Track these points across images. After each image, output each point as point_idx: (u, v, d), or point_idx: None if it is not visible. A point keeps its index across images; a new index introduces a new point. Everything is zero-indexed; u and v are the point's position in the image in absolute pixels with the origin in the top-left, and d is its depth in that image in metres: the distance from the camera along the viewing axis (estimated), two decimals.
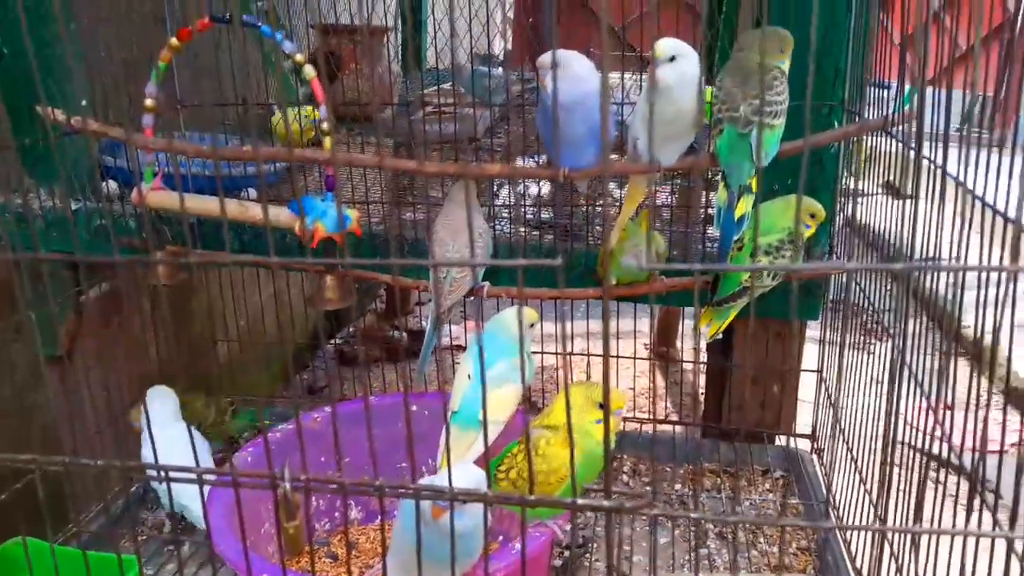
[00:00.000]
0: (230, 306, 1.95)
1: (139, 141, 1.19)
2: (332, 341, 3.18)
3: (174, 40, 1.24)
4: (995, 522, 0.72)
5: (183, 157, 1.63)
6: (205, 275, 2.01)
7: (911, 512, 0.94)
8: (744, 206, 1.05)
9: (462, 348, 3.34)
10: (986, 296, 0.83)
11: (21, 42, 1.52)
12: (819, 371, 1.52)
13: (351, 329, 3.34)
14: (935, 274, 1.04)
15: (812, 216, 1.25)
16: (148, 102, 1.27)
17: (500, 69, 2.84)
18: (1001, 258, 0.80)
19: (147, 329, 1.83)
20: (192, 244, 1.46)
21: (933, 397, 0.90)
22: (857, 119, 1.33)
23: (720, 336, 1.30)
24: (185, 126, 1.97)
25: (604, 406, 0.70)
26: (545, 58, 1.11)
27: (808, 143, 0.99)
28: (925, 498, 0.89)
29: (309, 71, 1.23)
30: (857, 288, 1.36)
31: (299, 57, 1.23)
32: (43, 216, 1.61)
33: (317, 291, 1.36)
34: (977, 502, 0.80)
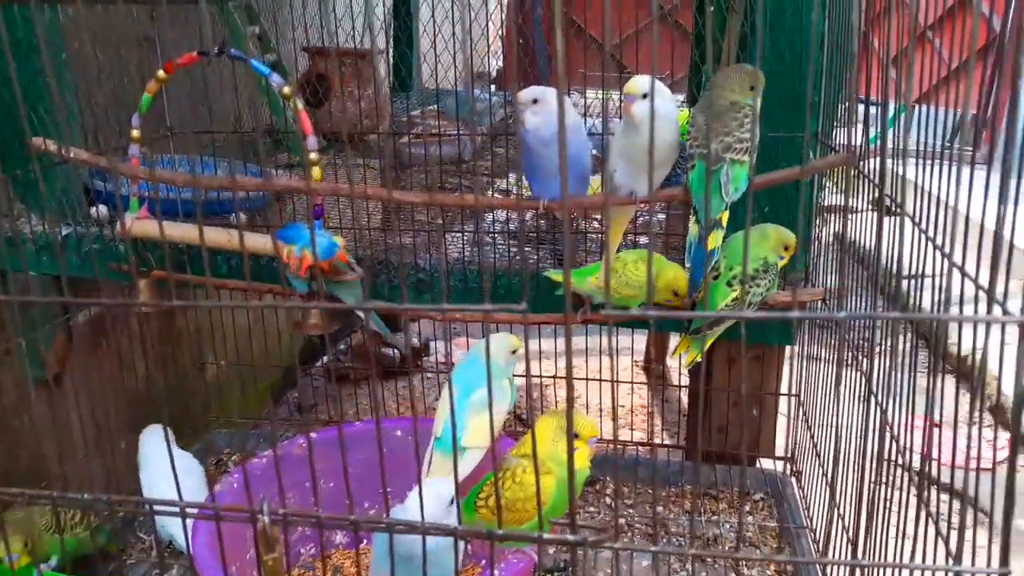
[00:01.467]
0: (218, 326, 1.97)
1: (125, 171, 1.22)
2: (323, 359, 3.20)
3: (161, 72, 1.27)
4: (947, 553, 0.75)
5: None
6: (192, 296, 2.03)
7: (883, 536, 0.96)
8: (715, 240, 1.08)
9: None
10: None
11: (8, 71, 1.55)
12: (796, 394, 1.55)
13: (342, 346, 3.37)
14: (921, 290, 1.06)
15: (786, 248, 1.29)
16: (134, 133, 1.29)
17: (486, 93, 2.88)
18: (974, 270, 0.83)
19: (135, 350, 1.85)
20: (180, 269, 1.48)
21: (904, 414, 0.92)
22: (835, 150, 1.36)
23: (701, 359, 1.33)
24: (175, 149, 2.00)
25: (568, 437, 0.72)
26: (524, 94, 1.14)
27: (771, 181, 1.02)
28: (907, 521, 0.91)
29: (297, 104, 1.25)
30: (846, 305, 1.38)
31: (286, 90, 1.26)
32: (33, 241, 1.64)
33: (302, 316, 1.38)
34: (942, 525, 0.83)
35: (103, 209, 1.72)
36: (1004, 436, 3.15)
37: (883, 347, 1.21)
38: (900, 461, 0.97)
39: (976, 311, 0.75)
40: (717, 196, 1.06)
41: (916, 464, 0.90)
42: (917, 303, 1.16)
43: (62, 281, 1.66)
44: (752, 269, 1.24)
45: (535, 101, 1.13)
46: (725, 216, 1.08)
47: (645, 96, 1.05)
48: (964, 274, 0.73)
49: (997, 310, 0.60)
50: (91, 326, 1.81)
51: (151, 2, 1.70)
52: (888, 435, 0.96)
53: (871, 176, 1.07)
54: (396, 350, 3.15)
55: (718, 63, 1.50)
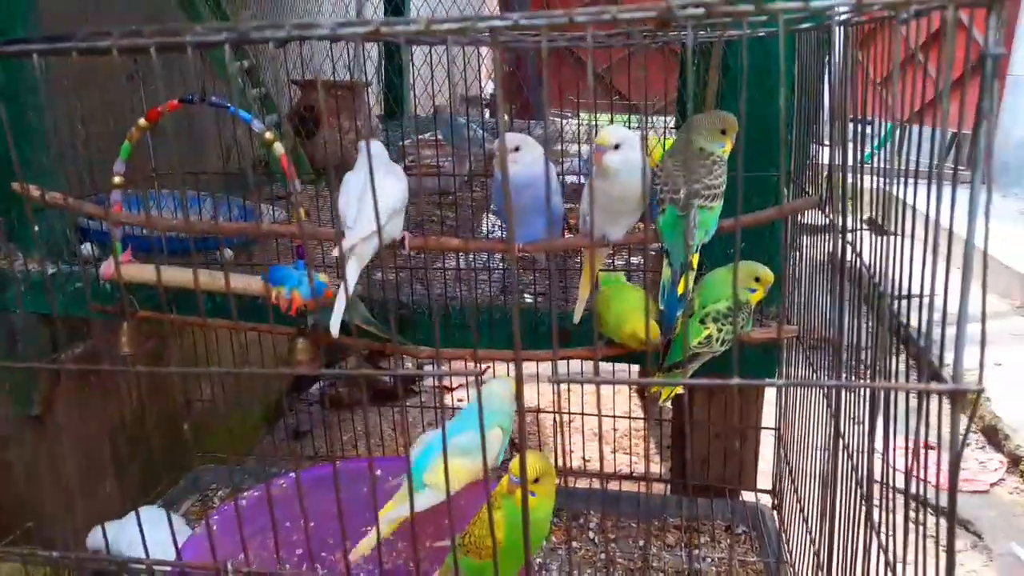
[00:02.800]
0: (203, 360, 1.98)
1: (111, 217, 1.24)
2: (318, 384, 3.21)
3: (142, 120, 1.29)
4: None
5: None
6: (179, 332, 2.04)
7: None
8: (686, 284, 1.10)
9: (449, 388, 3.38)
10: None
11: None
12: (777, 427, 1.56)
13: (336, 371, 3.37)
14: (911, 309, 1.07)
15: (758, 280, 1.30)
16: (116, 179, 1.31)
17: (475, 124, 2.91)
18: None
19: (123, 387, 1.87)
20: (166, 309, 1.49)
21: (873, 436, 0.93)
22: (805, 191, 1.38)
23: (684, 391, 1.34)
24: (162, 184, 2.01)
25: (522, 481, 0.73)
26: (505, 140, 1.16)
27: (740, 224, 1.05)
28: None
29: (278, 149, 1.28)
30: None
31: (268, 135, 1.28)
32: (22, 279, 1.65)
33: (288, 354, 1.40)
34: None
35: (91, 247, 1.74)
36: (998, 457, 3.16)
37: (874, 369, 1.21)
38: (880, 486, 0.97)
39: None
40: (683, 242, 1.08)
41: (913, 491, 0.90)
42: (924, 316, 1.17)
43: (52, 318, 1.68)
44: (724, 307, 1.26)
45: (516, 149, 1.16)
46: (695, 259, 1.10)
47: (617, 147, 1.07)
48: (900, 338, 0.75)
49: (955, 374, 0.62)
50: (79, 363, 1.83)
51: (143, 52, 1.72)
52: (845, 458, 0.96)
53: (831, 224, 1.09)
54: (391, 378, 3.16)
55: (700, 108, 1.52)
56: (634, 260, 1.76)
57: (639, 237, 1.17)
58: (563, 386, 3.24)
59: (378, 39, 0.52)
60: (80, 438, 1.82)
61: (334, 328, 1.17)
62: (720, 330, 1.25)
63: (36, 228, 1.58)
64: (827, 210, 1.11)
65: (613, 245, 1.20)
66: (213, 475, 1.81)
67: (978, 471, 3.04)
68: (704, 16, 0.48)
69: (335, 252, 1.02)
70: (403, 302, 1.57)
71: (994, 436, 3.20)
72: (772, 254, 1.45)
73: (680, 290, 1.09)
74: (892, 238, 0.92)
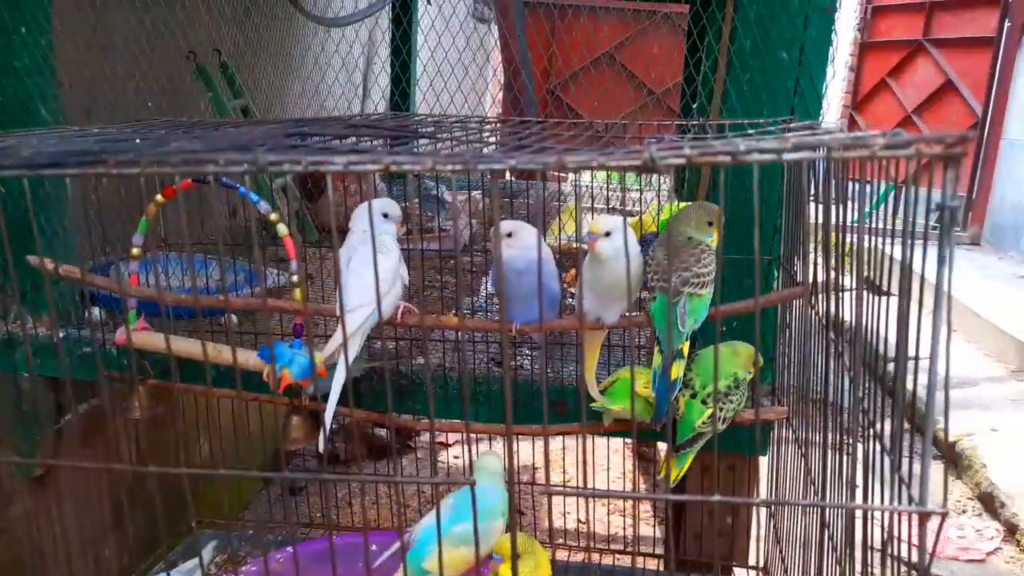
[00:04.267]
0: (203, 419, 2.01)
1: (124, 289, 1.28)
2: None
3: (159, 197, 1.34)
4: None
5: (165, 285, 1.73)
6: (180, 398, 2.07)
7: None
8: (677, 370, 1.13)
9: (445, 445, 3.39)
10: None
11: (10, 183, 1.63)
12: (767, 504, 1.58)
13: (333, 426, 3.39)
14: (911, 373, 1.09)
15: (754, 363, 1.34)
16: (134, 251, 1.36)
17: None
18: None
19: (124, 450, 1.89)
20: (174, 378, 1.53)
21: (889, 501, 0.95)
22: (794, 278, 1.43)
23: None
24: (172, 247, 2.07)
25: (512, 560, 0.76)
26: (501, 227, 1.21)
27: (730, 312, 1.09)
28: None
29: (282, 230, 1.32)
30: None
31: (273, 216, 1.32)
32: (31, 343, 1.69)
33: (283, 430, 1.42)
34: None
35: (99, 312, 1.78)
36: (994, 525, 3.15)
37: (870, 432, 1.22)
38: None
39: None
40: (676, 328, 1.12)
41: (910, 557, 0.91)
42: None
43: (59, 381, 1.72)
44: (724, 386, 1.29)
45: (510, 235, 1.20)
46: (686, 347, 1.14)
47: (608, 234, 1.12)
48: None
49: (909, 497, 0.65)
50: (81, 426, 1.85)
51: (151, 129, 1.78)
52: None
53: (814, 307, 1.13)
54: (385, 429, 3.17)
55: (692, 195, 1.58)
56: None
57: (633, 321, 1.21)
58: (556, 454, 3.24)
59: (385, 171, 0.56)
60: (81, 499, 1.84)
61: (328, 417, 1.20)
62: (721, 409, 1.28)
63: (47, 294, 1.61)
64: (814, 301, 1.15)
65: (608, 328, 1.24)
66: (211, 539, 1.82)
67: (974, 539, 3.03)
68: (685, 164, 0.53)
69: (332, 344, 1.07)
70: (402, 371, 1.61)
71: (991, 503, 3.19)
72: (765, 332, 1.49)
73: (672, 376, 1.13)
74: (885, 299, 0.95)
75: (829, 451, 1.14)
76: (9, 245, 0.76)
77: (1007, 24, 5.87)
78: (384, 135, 1.20)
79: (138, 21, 2.32)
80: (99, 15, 2.08)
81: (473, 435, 1.63)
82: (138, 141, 0.95)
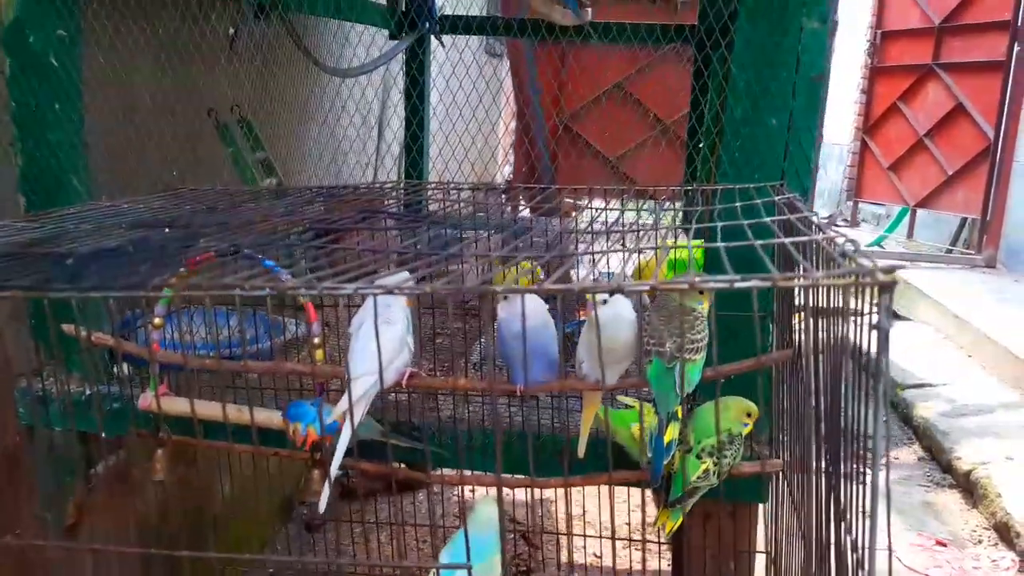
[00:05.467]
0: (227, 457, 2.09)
1: (152, 356, 1.37)
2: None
3: (183, 270, 1.43)
4: None
5: (186, 337, 1.81)
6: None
7: None
8: (671, 432, 1.19)
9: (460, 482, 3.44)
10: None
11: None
12: (769, 551, 1.63)
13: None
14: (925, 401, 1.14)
15: (749, 415, 1.40)
16: (156, 321, 1.44)
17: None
18: None
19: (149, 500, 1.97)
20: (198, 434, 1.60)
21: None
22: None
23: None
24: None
25: None
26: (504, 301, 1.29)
27: (723, 374, 1.15)
28: None
29: (303, 296, 1.40)
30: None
31: (303, 296, 1.40)
32: (61, 399, 1.78)
33: (304, 483, 1.50)
34: None
35: (126, 368, 1.86)
36: (1010, 555, 3.15)
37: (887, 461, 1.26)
38: None
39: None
40: (673, 392, 1.18)
41: None
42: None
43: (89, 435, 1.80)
44: (719, 441, 1.35)
45: (506, 298, 1.27)
46: (680, 410, 1.20)
47: (606, 301, 1.18)
48: None
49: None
50: (109, 477, 1.94)
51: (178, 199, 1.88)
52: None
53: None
54: (400, 464, 3.23)
55: None
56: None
57: (631, 382, 1.27)
58: (574, 489, 3.30)
59: (398, 293, 0.64)
60: (109, 546, 1.91)
61: (333, 470, 1.27)
62: (716, 463, 1.34)
63: (80, 357, 1.70)
64: (800, 364, 1.21)
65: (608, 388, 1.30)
66: None
67: (990, 570, 3.03)
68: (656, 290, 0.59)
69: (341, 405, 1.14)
70: (415, 424, 1.68)
71: (1006, 533, 3.19)
72: (763, 384, 1.55)
73: (667, 439, 1.19)
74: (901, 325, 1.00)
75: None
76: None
77: (1016, 48, 5.90)
78: (400, 225, 1.28)
79: (159, 81, 2.43)
80: (123, 80, 2.18)
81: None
82: (167, 230, 1.03)
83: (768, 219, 1.01)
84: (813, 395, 1.00)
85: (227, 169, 2.64)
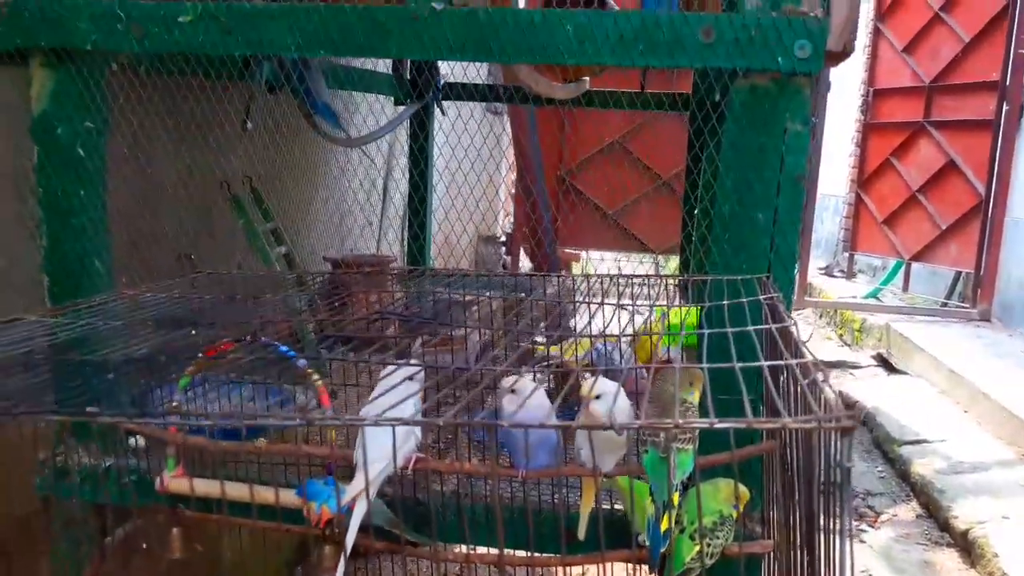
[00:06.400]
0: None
1: (171, 439, 1.44)
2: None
3: (201, 355, 1.51)
4: None
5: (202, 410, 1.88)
6: None
7: None
8: (667, 521, 1.26)
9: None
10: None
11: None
12: None
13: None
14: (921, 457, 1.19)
15: (737, 498, 1.46)
16: (175, 403, 1.52)
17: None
18: None
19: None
20: (209, 507, 1.66)
21: None
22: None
23: None
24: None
25: None
26: (505, 383, 1.36)
27: (712, 463, 1.22)
28: None
29: (316, 379, 1.48)
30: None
31: (309, 370, 1.48)
32: (79, 472, 1.84)
33: (317, 559, 1.55)
34: None
35: (141, 440, 1.93)
36: None
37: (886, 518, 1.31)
38: None
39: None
40: (666, 481, 1.25)
41: None
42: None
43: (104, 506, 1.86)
44: (709, 523, 1.41)
45: (513, 391, 1.35)
46: (676, 497, 1.27)
47: (598, 397, 1.26)
48: None
49: None
50: (123, 545, 1.99)
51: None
52: None
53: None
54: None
55: None
56: None
57: (628, 469, 1.34)
58: None
59: (408, 424, 0.71)
60: None
61: (348, 545, 1.33)
62: (709, 544, 1.40)
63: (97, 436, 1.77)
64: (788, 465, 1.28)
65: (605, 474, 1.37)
66: None
67: None
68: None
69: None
70: (420, 499, 1.74)
71: None
72: (752, 464, 1.61)
73: (663, 527, 1.25)
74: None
75: None
76: None
77: (1005, 107, 6.05)
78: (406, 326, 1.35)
79: (176, 157, 2.54)
80: (142, 160, 2.29)
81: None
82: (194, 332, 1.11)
83: (751, 328, 1.09)
84: (794, 491, 1.07)
85: (239, 238, 2.73)
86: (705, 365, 0.99)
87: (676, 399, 1.12)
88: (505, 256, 7.22)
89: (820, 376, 0.77)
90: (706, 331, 1.13)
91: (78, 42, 1.68)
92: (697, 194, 2.87)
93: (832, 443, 0.71)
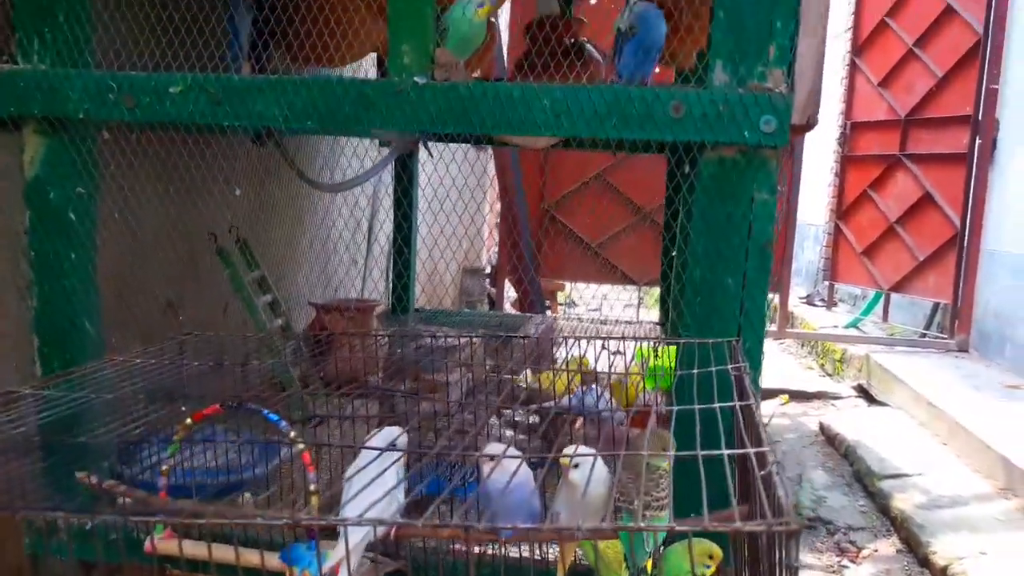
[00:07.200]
0: None
1: (154, 502, 1.47)
2: None
3: (188, 420, 1.55)
4: None
5: (188, 463, 1.91)
6: None
7: None
8: None
9: None
10: None
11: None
12: None
13: None
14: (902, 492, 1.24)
15: (711, 557, 1.50)
16: (163, 468, 1.55)
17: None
18: None
19: None
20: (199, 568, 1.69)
21: None
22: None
23: None
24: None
25: None
26: (488, 451, 1.41)
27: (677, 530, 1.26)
28: None
29: (299, 446, 1.52)
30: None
31: (301, 446, 1.52)
32: (66, 530, 1.87)
33: None
34: None
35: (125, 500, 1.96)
36: None
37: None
38: None
39: None
40: (640, 548, 1.30)
41: None
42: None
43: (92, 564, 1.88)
44: None
45: (493, 458, 1.40)
46: (649, 564, 1.31)
47: (576, 466, 1.31)
48: None
49: None
50: None
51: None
52: None
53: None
54: None
55: None
56: None
57: (604, 534, 1.38)
58: None
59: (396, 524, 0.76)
60: None
61: None
62: None
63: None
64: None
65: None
66: None
67: None
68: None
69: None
70: (402, 555, 1.77)
71: None
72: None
73: None
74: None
75: None
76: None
77: (979, 141, 6.19)
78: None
79: (164, 210, 2.58)
80: (131, 216, 2.33)
81: None
82: (183, 408, 1.15)
83: (717, 406, 1.14)
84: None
85: (225, 283, 2.77)
86: (671, 453, 1.05)
87: (643, 470, 1.17)
88: (490, 288, 7.28)
89: (775, 468, 0.82)
90: (675, 407, 1.19)
91: (71, 111, 1.73)
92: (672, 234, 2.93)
93: (781, 544, 0.77)
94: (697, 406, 1.11)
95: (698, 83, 1.59)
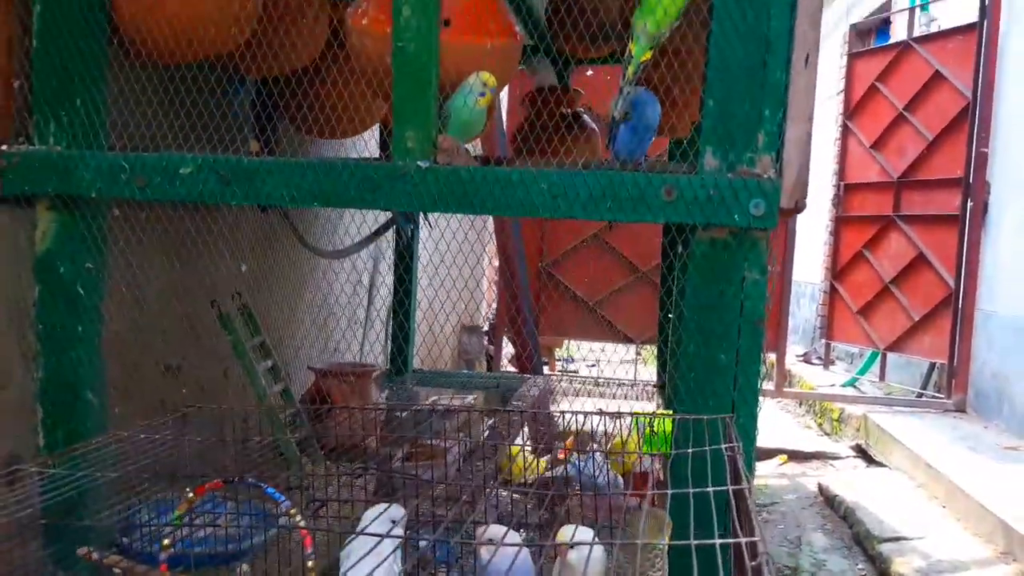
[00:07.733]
0: None
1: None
2: None
3: (191, 493, 1.57)
4: None
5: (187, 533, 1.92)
6: None
7: None
8: None
9: None
10: None
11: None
12: None
13: None
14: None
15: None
16: (165, 542, 1.57)
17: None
18: None
19: None
20: None
21: None
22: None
23: None
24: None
25: None
26: (481, 534, 1.44)
27: None
28: None
29: (300, 521, 1.54)
30: None
31: (293, 511, 1.54)
32: None
33: None
34: None
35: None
36: None
37: None
38: None
39: None
40: None
41: None
42: None
43: None
44: None
45: (491, 540, 1.42)
46: None
47: (573, 547, 1.33)
48: None
49: None
50: None
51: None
52: None
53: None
54: None
55: None
56: None
57: None
58: None
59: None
60: None
61: None
62: None
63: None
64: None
65: None
66: None
67: None
68: None
69: None
70: None
71: None
72: None
73: None
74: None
75: None
76: None
77: (970, 203, 6.30)
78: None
79: (167, 277, 2.63)
80: (135, 283, 2.38)
81: None
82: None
83: (711, 489, 1.17)
84: None
85: (226, 345, 2.80)
86: (666, 542, 1.07)
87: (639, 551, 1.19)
88: (488, 345, 7.30)
89: (764, 560, 0.85)
90: (670, 491, 1.22)
91: (83, 190, 1.79)
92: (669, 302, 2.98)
93: None
94: (691, 489, 1.14)
95: (694, 158, 1.65)
